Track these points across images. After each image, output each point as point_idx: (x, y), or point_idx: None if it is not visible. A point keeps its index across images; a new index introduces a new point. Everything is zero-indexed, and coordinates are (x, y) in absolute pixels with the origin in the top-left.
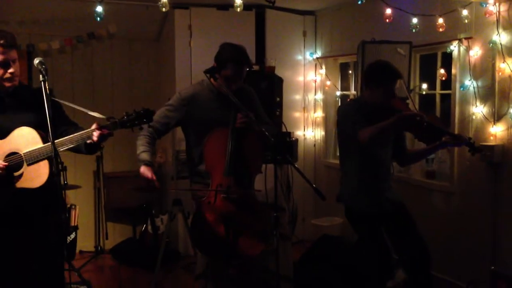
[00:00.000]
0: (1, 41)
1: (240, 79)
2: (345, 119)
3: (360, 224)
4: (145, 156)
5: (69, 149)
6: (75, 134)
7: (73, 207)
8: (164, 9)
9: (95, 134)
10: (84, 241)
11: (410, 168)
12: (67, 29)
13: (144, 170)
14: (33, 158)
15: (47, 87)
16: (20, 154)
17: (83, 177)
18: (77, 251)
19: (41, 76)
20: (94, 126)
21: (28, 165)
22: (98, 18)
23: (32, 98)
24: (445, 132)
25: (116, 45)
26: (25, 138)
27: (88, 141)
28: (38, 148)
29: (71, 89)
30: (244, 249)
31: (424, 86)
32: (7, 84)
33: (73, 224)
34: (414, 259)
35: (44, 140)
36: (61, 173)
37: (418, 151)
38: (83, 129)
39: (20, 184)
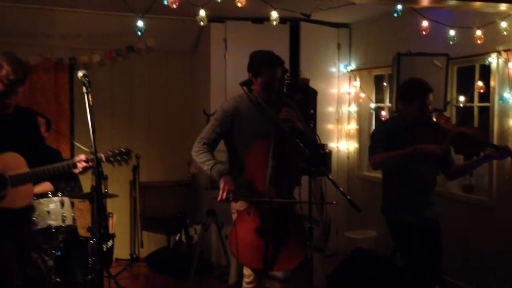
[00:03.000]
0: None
1: (277, 82)
2: (372, 137)
3: (399, 234)
4: (221, 167)
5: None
6: (62, 163)
7: (111, 215)
8: (202, 23)
9: (80, 166)
10: (120, 249)
11: (447, 182)
12: (107, 42)
13: (227, 180)
14: (18, 181)
15: (90, 99)
16: (5, 176)
17: (120, 186)
18: (114, 258)
19: (84, 88)
20: (81, 158)
21: (12, 187)
22: (139, 32)
23: (22, 120)
24: (486, 144)
25: (153, 58)
26: (11, 162)
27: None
28: (24, 173)
29: (110, 100)
30: (282, 261)
31: (462, 98)
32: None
33: (110, 232)
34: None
35: (29, 166)
36: (102, 182)
37: (464, 164)
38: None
39: (2, 204)
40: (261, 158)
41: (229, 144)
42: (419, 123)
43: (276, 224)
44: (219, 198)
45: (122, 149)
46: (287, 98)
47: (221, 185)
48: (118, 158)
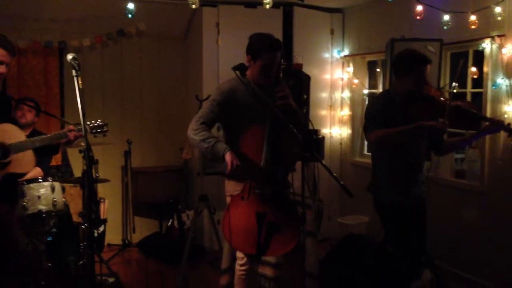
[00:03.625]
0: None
1: (275, 65)
2: (367, 113)
3: (388, 216)
4: (223, 144)
5: (37, 148)
6: (55, 133)
7: (102, 200)
8: (194, 6)
9: (71, 135)
10: (112, 234)
11: (439, 167)
12: (98, 26)
13: (233, 155)
14: (18, 148)
15: (79, 82)
16: (5, 145)
17: (111, 172)
18: (106, 243)
19: (73, 71)
20: (70, 127)
21: (14, 153)
22: (130, 15)
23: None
24: (482, 117)
25: (144, 42)
26: (9, 133)
27: (63, 140)
28: (24, 141)
29: (100, 85)
30: (275, 246)
31: (455, 84)
32: None
33: (102, 217)
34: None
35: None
36: (93, 166)
37: (456, 140)
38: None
39: (10, 169)
40: (256, 143)
41: (225, 127)
42: (415, 98)
43: (270, 209)
44: (228, 169)
45: (100, 122)
46: (282, 77)
47: (228, 159)
48: (98, 130)
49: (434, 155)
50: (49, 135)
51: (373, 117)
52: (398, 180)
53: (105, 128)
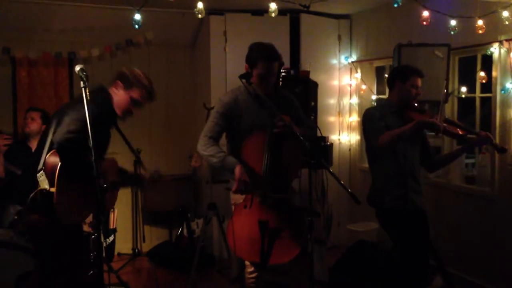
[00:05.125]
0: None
1: (272, 76)
2: (367, 123)
3: (389, 222)
4: (232, 158)
5: None
6: (133, 177)
7: (112, 210)
8: (200, 16)
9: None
10: (122, 244)
11: (449, 173)
12: (107, 36)
13: (242, 172)
14: (112, 187)
15: (87, 93)
16: (107, 182)
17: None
18: (116, 253)
19: (81, 82)
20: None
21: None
22: (136, 26)
23: None
24: (469, 130)
25: (153, 51)
26: (110, 168)
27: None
28: (119, 181)
29: None
30: (279, 253)
31: (464, 89)
32: (121, 116)
33: (112, 227)
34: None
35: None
36: (101, 177)
37: (445, 155)
38: None
39: None
40: (257, 150)
41: (228, 136)
42: (410, 106)
43: (272, 216)
44: (234, 188)
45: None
46: (285, 90)
47: (237, 175)
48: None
49: (426, 170)
50: (129, 175)
51: (375, 123)
52: (395, 185)
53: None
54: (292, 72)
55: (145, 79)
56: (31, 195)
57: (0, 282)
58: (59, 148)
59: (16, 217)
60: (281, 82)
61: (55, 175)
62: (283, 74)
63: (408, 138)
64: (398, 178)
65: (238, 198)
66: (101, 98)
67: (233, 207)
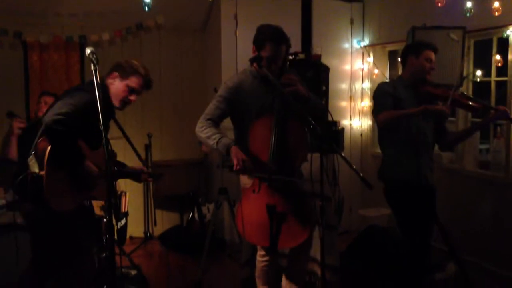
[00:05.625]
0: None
1: (279, 58)
2: (375, 97)
3: (396, 196)
4: (227, 140)
5: None
6: (134, 170)
7: (124, 194)
8: None
9: (144, 177)
10: (134, 227)
11: (463, 159)
12: (117, 21)
13: (237, 150)
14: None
15: (98, 76)
16: (101, 171)
17: (132, 165)
18: (128, 236)
19: (92, 65)
20: (144, 169)
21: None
22: (147, 8)
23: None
24: (487, 107)
25: (163, 35)
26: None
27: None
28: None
29: None
30: (287, 237)
31: (479, 72)
32: (119, 106)
33: (123, 211)
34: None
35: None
36: (112, 160)
37: (459, 132)
38: None
39: (95, 193)
40: (263, 134)
41: (234, 121)
42: (423, 81)
43: (280, 200)
44: (235, 167)
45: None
46: (293, 70)
47: (233, 155)
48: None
49: (439, 149)
50: (128, 170)
51: (381, 99)
52: (405, 158)
53: (163, 177)
54: (299, 55)
55: (141, 68)
56: (20, 178)
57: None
58: (46, 129)
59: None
60: (288, 66)
61: (44, 158)
62: (290, 58)
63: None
64: (409, 149)
65: (246, 183)
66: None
67: (242, 190)
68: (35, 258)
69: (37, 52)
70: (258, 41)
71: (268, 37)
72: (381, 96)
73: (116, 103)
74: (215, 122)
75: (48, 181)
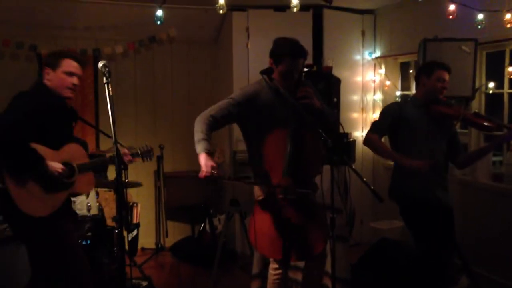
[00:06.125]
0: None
1: (296, 72)
2: (381, 114)
3: (412, 218)
4: (205, 144)
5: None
6: (112, 156)
7: (135, 205)
8: (221, 11)
9: (126, 159)
10: (146, 238)
11: (476, 171)
12: (130, 34)
13: (205, 157)
14: (82, 169)
15: (110, 89)
16: (73, 165)
17: (144, 176)
18: (139, 247)
19: (104, 78)
20: (125, 151)
21: (79, 173)
22: (159, 22)
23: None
24: (500, 125)
25: (175, 48)
26: (76, 153)
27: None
28: (88, 163)
29: (133, 91)
30: (301, 250)
31: (491, 84)
32: (67, 94)
33: (135, 222)
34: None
35: (89, 156)
36: (123, 171)
37: (474, 151)
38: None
39: (74, 189)
40: (278, 148)
41: (246, 132)
42: (436, 100)
43: (294, 213)
44: (201, 174)
45: (148, 147)
46: (308, 81)
47: (202, 161)
48: (147, 155)
49: (456, 168)
50: (107, 157)
51: (381, 119)
52: (412, 178)
53: (152, 154)
54: (314, 68)
55: (66, 51)
56: None
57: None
58: None
59: None
60: (304, 77)
61: (3, 171)
62: (305, 70)
63: (431, 133)
64: (418, 174)
65: (260, 194)
66: (37, 88)
67: (254, 202)
68: (34, 268)
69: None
70: (276, 55)
71: (286, 51)
72: (382, 116)
73: (64, 93)
74: (216, 121)
75: (14, 191)
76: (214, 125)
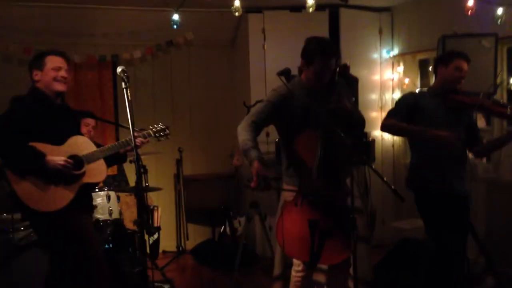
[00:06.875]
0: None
1: (328, 72)
2: (394, 104)
3: (426, 205)
4: (257, 152)
5: (107, 157)
6: (122, 140)
7: (156, 208)
8: (237, 14)
9: (138, 141)
10: (167, 241)
11: (499, 168)
12: (148, 39)
13: (258, 167)
14: (90, 158)
15: (129, 94)
16: (80, 156)
17: (164, 180)
18: (160, 251)
19: (123, 83)
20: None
21: (87, 163)
22: (175, 26)
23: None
24: None
25: (193, 51)
26: (81, 145)
27: (129, 147)
28: (95, 151)
29: (152, 95)
30: (330, 253)
31: None
32: (60, 88)
33: (156, 225)
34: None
35: (97, 146)
36: (143, 175)
37: (493, 140)
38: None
39: (85, 179)
40: (309, 148)
41: (279, 130)
42: (453, 90)
43: (323, 216)
44: (252, 184)
45: (162, 126)
46: (340, 79)
47: (253, 171)
48: (161, 133)
49: (473, 156)
50: (116, 143)
51: (397, 107)
52: (428, 166)
53: (167, 131)
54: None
55: (46, 50)
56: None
57: (30, 282)
58: None
59: None
60: (337, 77)
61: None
62: (339, 70)
63: (448, 122)
64: (434, 157)
65: (288, 195)
66: (31, 91)
67: (283, 203)
68: (52, 263)
69: (71, 71)
70: (307, 55)
71: (318, 51)
72: (398, 105)
73: (56, 87)
74: (258, 125)
75: (20, 191)
76: (258, 130)
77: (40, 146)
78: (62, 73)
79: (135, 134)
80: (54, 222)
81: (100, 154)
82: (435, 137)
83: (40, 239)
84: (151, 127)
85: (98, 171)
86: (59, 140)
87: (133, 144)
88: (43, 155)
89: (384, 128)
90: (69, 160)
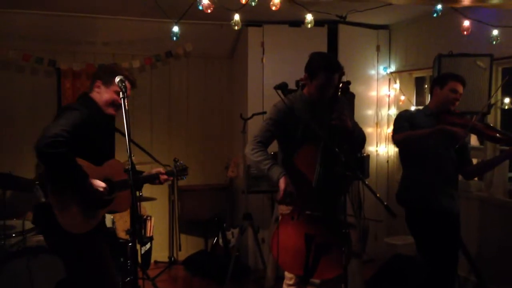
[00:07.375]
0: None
1: (331, 87)
2: (394, 122)
3: (415, 224)
4: (279, 168)
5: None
6: (150, 174)
7: (149, 218)
8: (236, 27)
9: (162, 178)
10: (159, 252)
11: (491, 187)
12: (147, 48)
13: (288, 182)
14: (121, 186)
15: (126, 104)
16: (114, 181)
17: (159, 190)
18: (152, 261)
19: (120, 93)
20: (160, 170)
21: (119, 191)
22: (175, 38)
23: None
24: (508, 136)
25: (191, 63)
26: (116, 170)
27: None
28: (125, 179)
29: (149, 105)
30: (324, 268)
31: (507, 100)
32: (112, 112)
33: (148, 235)
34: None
35: (126, 172)
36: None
37: (484, 162)
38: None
39: (112, 207)
40: (308, 162)
41: (281, 145)
42: (447, 111)
43: (319, 231)
44: (279, 197)
45: (184, 165)
46: (342, 97)
47: (282, 186)
48: (184, 173)
49: (464, 178)
50: (144, 175)
51: (399, 123)
52: (417, 183)
53: (187, 172)
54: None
55: (122, 69)
56: (34, 213)
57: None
58: (38, 155)
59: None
60: (339, 93)
61: (47, 186)
62: (342, 85)
63: (441, 142)
64: (423, 174)
65: (285, 209)
66: (84, 102)
67: (280, 217)
68: (70, 277)
69: (69, 79)
70: (311, 69)
71: (321, 66)
72: (398, 121)
73: (108, 110)
74: (265, 144)
75: (57, 207)
76: (265, 148)
77: (83, 164)
78: (119, 100)
79: (161, 170)
80: (76, 243)
81: (130, 183)
82: (449, 132)
83: (58, 256)
84: (175, 166)
85: (124, 199)
86: (100, 159)
87: (161, 178)
88: (86, 175)
89: (401, 142)
90: (106, 186)
